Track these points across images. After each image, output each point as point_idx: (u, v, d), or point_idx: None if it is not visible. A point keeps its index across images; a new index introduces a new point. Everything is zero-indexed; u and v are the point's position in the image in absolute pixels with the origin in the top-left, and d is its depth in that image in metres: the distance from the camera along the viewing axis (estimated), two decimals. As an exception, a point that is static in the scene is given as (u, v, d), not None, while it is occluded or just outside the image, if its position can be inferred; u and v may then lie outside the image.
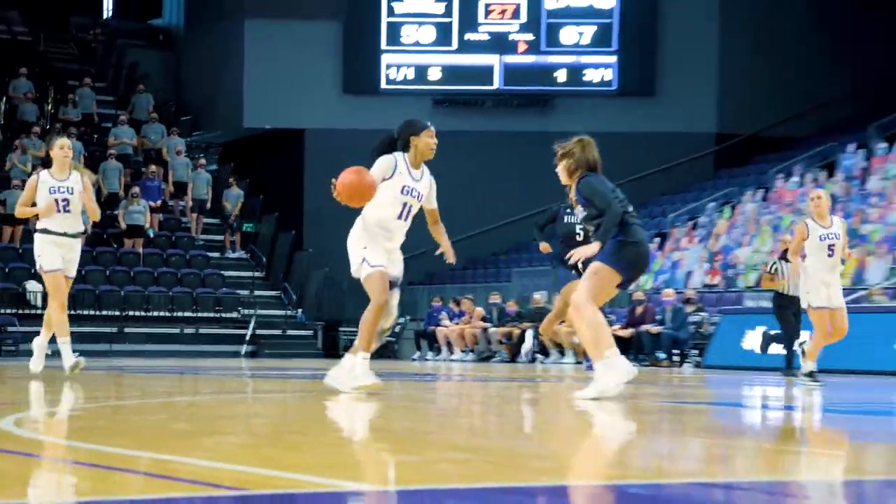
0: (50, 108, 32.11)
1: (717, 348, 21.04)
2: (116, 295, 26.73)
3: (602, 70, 32.62)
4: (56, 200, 11.57)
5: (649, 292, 24.37)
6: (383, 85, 32.79)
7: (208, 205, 30.11)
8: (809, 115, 31.70)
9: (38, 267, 11.90)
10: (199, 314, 27.47)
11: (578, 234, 12.50)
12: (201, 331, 27.16)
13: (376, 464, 5.01)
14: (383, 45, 32.74)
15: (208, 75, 34.55)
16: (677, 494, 4.38)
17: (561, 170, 9.27)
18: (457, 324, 26.09)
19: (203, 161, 30.57)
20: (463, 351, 25.67)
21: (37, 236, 11.80)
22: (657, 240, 28.76)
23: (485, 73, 32.77)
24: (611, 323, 22.89)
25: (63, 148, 11.82)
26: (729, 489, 4.54)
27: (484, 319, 25.83)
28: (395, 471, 4.77)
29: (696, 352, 21.69)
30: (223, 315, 27.70)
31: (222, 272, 28.79)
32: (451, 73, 32.78)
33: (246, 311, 27.90)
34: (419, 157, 9.49)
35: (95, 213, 12.07)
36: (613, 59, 32.54)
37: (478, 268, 31.52)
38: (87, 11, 38.09)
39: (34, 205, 11.68)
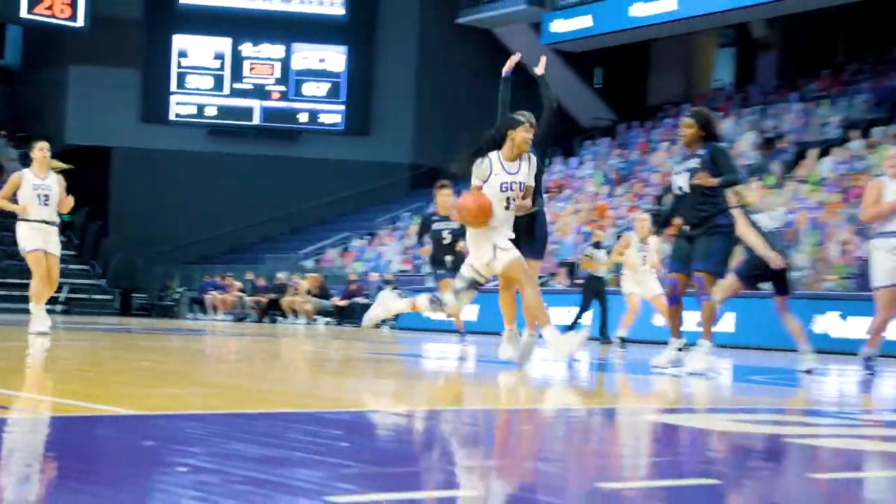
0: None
1: (406, 315, 21.21)
2: (-40, 265, 25.62)
3: (333, 115, 32.52)
4: (38, 195, 10.54)
5: (361, 274, 24.44)
6: (171, 117, 31.99)
7: (35, 200, 28.98)
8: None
9: (21, 249, 10.89)
10: (26, 281, 26.25)
11: (444, 238, 11.48)
12: (26, 293, 25.99)
13: (144, 396, 4.86)
14: (172, 88, 31.95)
15: (39, 104, 33.06)
16: (373, 420, 4.38)
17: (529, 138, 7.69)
18: (221, 294, 25.66)
19: (33, 167, 29.42)
20: (225, 313, 25.27)
21: (19, 224, 10.71)
22: (368, 237, 28.92)
23: (248, 113, 32.28)
24: (333, 295, 22.99)
25: (42, 150, 10.68)
26: (409, 416, 4.57)
27: (241, 291, 25.48)
28: (155, 400, 4.65)
29: (393, 318, 21.86)
30: (44, 282, 26.66)
31: (45, 251, 27.71)
32: (223, 111, 32.19)
33: (61, 280, 26.90)
34: (515, 150, 7.54)
35: (67, 207, 10.92)
36: (342, 107, 32.50)
37: (239, 253, 31.11)
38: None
39: (14, 200, 10.55)
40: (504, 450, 3.74)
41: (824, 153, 22.01)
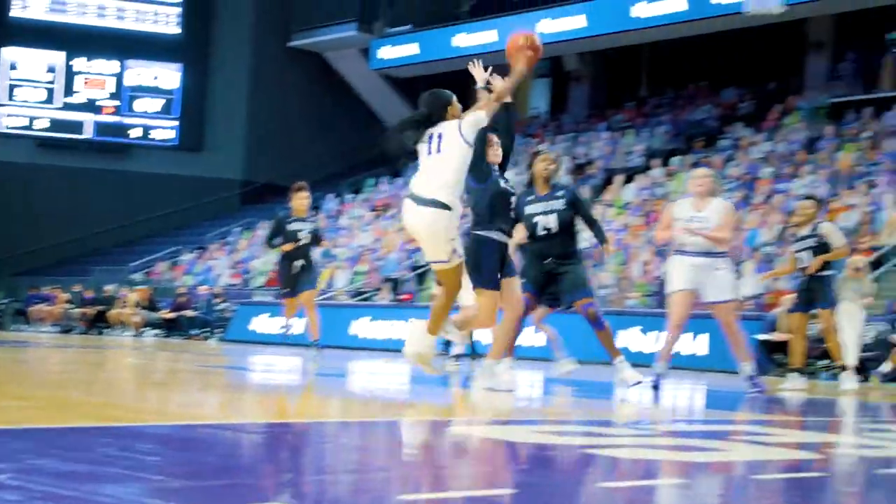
0: None
1: (234, 328, 20.86)
2: None
3: (166, 130, 31.78)
4: None
5: (190, 287, 23.91)
6: (0, 129, 30.70)
7: None
8: (306, 171, 32.02)
9: None
10: None
11: (301, 238, 10.84)
12: None
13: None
14: (2, 100, 30.65)
15: None
16: (190, 434, 4.24)
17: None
18: (47, 305, 24.64)
19: None
20: (51, 325, 24.25)
21: None
22: (198, 251, 28.32)
23: (80, 127, 31.20)
24: (161, 308, 22.38)
25: None
26: (226, 430, 4.44)
27: (68, 302, 24.52)
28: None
29: (220, 329, 21.41)
30: None
31: None
32: (55, 124, 31.02)
33: None
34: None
35: None
36: (175, 122, 31.78)
37: (68, 265, 29.97)
38: None
39: None
40: (316, 463, 3.68)
41: (629, 179, 22.75)
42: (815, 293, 9.97)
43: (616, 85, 30.32)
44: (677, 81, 28.13)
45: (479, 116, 6.50)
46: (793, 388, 9.80)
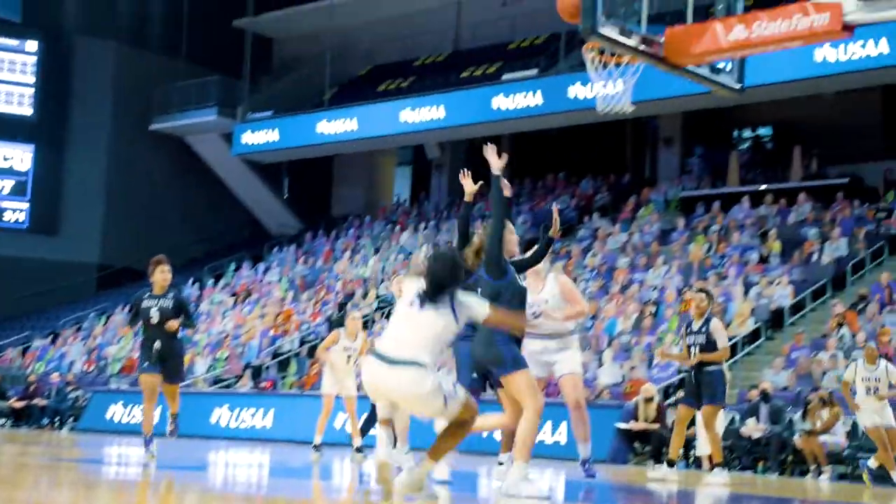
0: None
1: (88, 417, 20.08)
2: None
3: (18, 213, 30.78)
4: None
5: (41, 375, 22.99)
6: None
7: None
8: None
9: None
10: None
11: (152, 317, 9.96)
12: None
13: None
14: None
15: None
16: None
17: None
18: None
19: None
20: None
21: None
22: (51, 337, 27.33)
23: (-74, 207, 29.97)
24: (10, 397, 21.38)
25: None
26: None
27: None
28: None
29: (73, 418, 20.56)
30: None
31: None
32: None
33: None
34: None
35: None
36: (27, 205, 30.81)
37: None
38: None
39: None
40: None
41: (490, 267, 23.00)
42: (702, 388, 10.04)
43: (476, 174, 30.66)
44: (536, 172, 28.80)
45: (480, 314, 5.92)
46: (663, 477, 9.94)
